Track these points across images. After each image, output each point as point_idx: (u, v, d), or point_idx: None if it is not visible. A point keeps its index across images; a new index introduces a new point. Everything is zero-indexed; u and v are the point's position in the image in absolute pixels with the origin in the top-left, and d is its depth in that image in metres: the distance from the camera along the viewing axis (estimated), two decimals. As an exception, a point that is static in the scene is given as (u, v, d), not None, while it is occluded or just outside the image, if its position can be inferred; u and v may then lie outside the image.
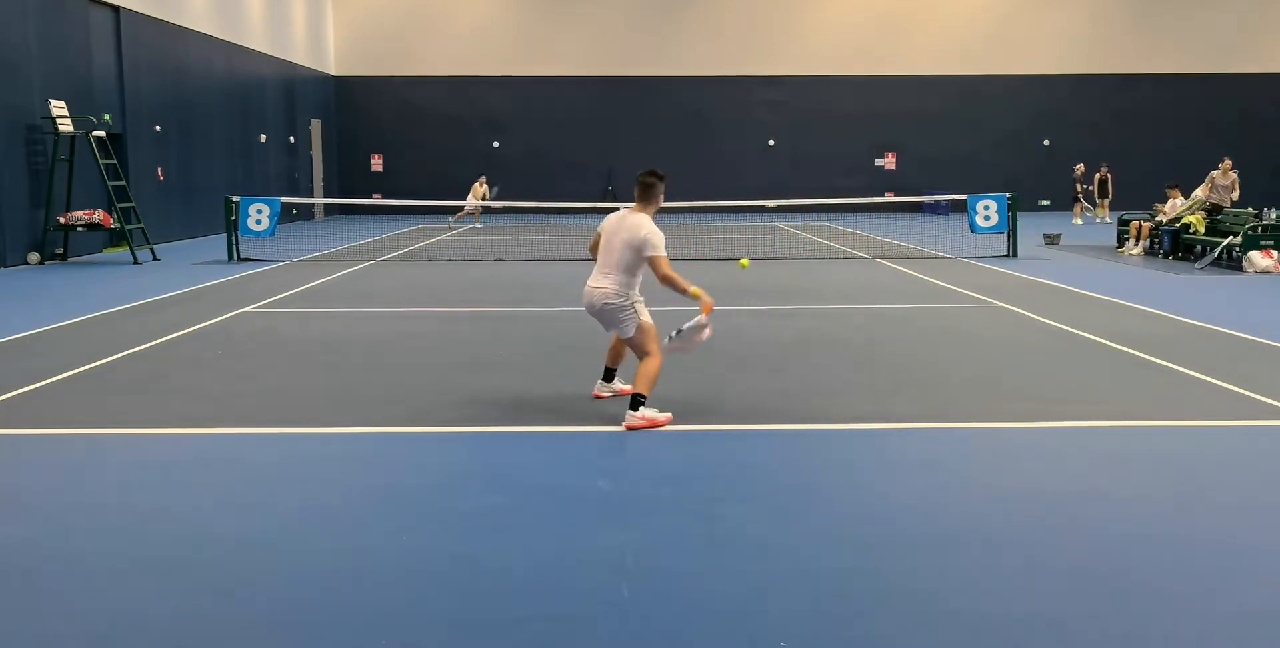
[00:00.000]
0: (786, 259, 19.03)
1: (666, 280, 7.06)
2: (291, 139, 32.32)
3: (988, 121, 37.38)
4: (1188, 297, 13.69)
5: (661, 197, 7.32)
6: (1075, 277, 15.79)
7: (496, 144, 37.25)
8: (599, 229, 7.35)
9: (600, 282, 7.20)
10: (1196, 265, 17.18)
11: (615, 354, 7.73)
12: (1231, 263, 17.02)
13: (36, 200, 18.60)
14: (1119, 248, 20.55)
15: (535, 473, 6.05)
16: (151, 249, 19.61)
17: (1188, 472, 6.09)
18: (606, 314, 7.23)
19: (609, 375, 7.78)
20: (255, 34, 29.31)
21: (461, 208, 28.91)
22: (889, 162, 37.84)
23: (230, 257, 18.91)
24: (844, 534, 5.05)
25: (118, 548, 4.90)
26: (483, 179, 29.79)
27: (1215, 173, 20.53)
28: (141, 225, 19.87)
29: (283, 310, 12.66)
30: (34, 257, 18.37)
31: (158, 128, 23.58)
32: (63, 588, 4.44)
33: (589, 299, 7.27)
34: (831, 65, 37.17)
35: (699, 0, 37.07)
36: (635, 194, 7.33)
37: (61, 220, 18.60)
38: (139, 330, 10.97)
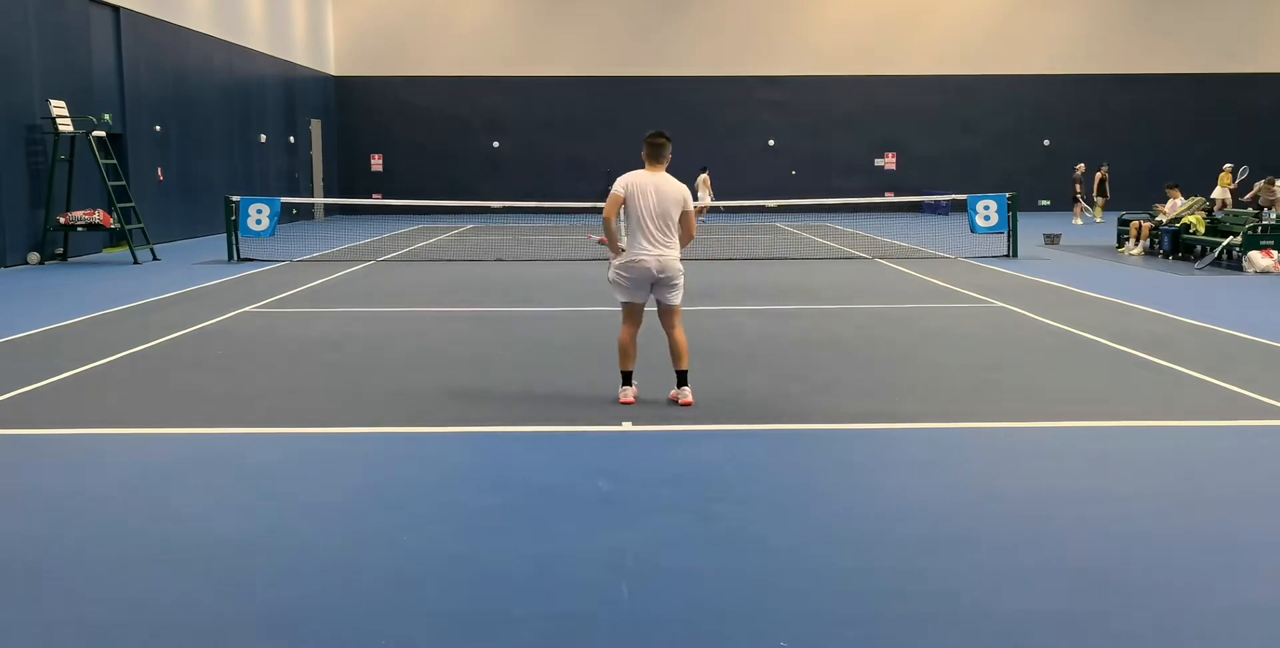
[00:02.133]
0: (786, 259, 19.03)
1: (691, 238, 7.60)
2: (291, 139, 32.32)
3: (988, 121, 37.39)
4: (1188, 297, 13.68)
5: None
6: (1075, 277, 15.79)
7: (496, 144, 37.26)
8: (622, 193, 7.36)
9: (664, 248, 7.34)
10: (1196, 265, 17.18)
11: (634, 351, 7.64)
12: (1231, 263, 17.02)
13: (36, 200, 18.61)
14: (1119, 248, 20.54)
15: (535, 473, 6.05)
16: (151, 249, 19.61)
17: (1187, 471, 6.09)
18: (670, 281, 7.41)
19: (630, 378, 7.63)
20: (255, 34, 29.32)
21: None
22: (889, 162, 37.84)
23: (230, 257, 18.92)
24: (844, 534, 5.05)
25: (118, 548, 4.90)
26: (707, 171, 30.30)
27: (1262, 183, 20.87)
28: (141, 225, 19.87)
29: (283, 310, 12.66)
30: (34, 257, 18.37)
31: (158, 128, 23.58)
32: (63, 587, 4.44)
33: (659, 264, 7.32)
34: (831, 65, 37.17)
35: (699, 0, 37.07)
36: (651, 155, 7.45)
37: (61, 220, 18.60)
38: (139, 330, 10.97)
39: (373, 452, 6.62)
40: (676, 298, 7.56)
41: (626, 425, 7.01)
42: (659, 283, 7.46)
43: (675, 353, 7.56)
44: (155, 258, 19.22)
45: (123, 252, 19.63)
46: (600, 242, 7.81)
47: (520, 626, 4.05)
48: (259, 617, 4.16)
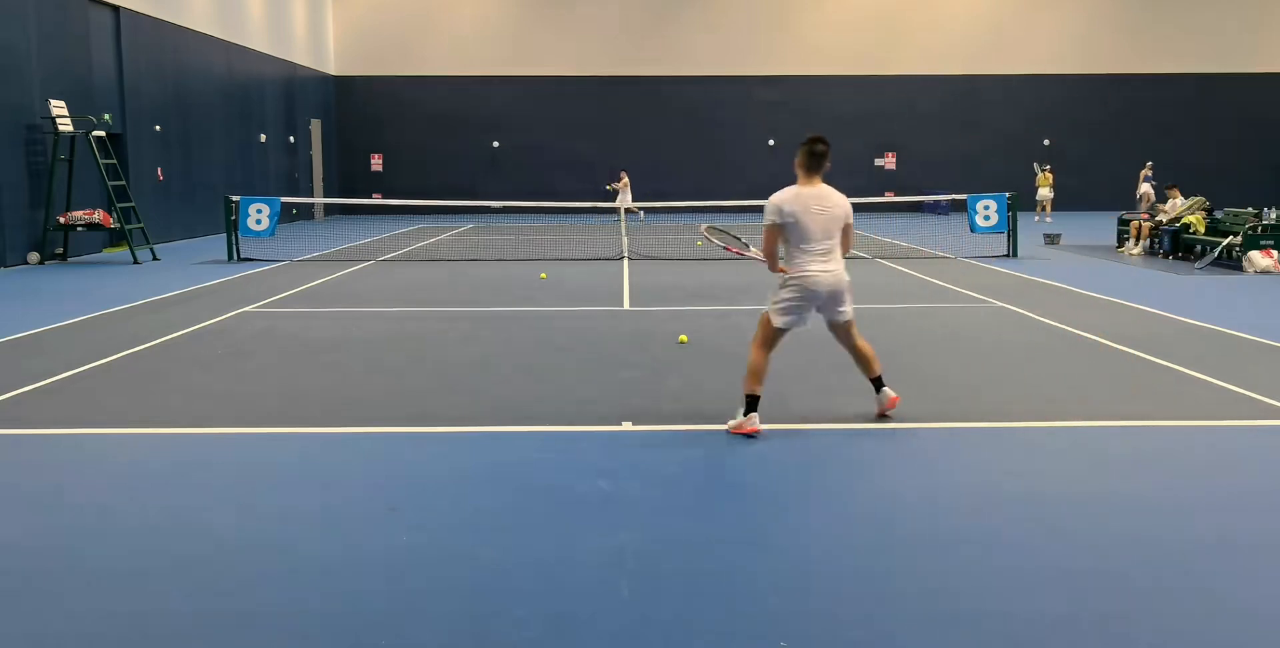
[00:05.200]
0: (786, 259, 19.00)
1: (849, 250, 6.96)
2: (291, 139, 32.32)
3: (988, 121, 37.39)
4: (1188, 297, 13.69)
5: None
6: (1075, 277, 15.79)
7: (496, 144, 37.26)
8: (779, 217, 6.66)
9: (833, 265, 6.76)
10: (1196, 265, 17.18)
11: (765, 375, 6.92)
12: (1231, 263, 17.03)
13: (36, 200, 18.61)
14: (1119, 248, 20.55)
15: (535, 473, 6.04)
16: (151, 249, 19.62)
17: (1188, 472, 6.09)
18: (840, 299, 6.86)
19: (756, 403, 6.84)
20: (255, 34, 29.32)
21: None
22: (889, 162, 37.84)
23: (230, 257, 18.92)
24: (844, 534, 5.05)
25: (117, 548, 4.90)
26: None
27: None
28: (141, 225, 19.88)
29: (283, 310, 12.66)
30: (34, 257, 18.37)
31: (158, 128, 23.58)
32: (61, 588, 4.44)
33: (830, 284, 6.74)
34: (831, 65, 37.18)
35: (699, 0, 37.07)
36: (806, 163, 6.73)
37: (61, 220, 18.60)
38: (139, 330, 10.97)
39: (373, 452, 6.61)
40: (848, 314, 7.04)
41: (626, 425, 7.01)
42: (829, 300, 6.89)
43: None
44: (155, 258, 19.22)
45: (122, 251, 19.63)
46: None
47: (520, 626, 4.05)
48: (258, 618, 4.16)
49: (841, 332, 7.13)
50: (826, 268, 6.76)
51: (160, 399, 7.94)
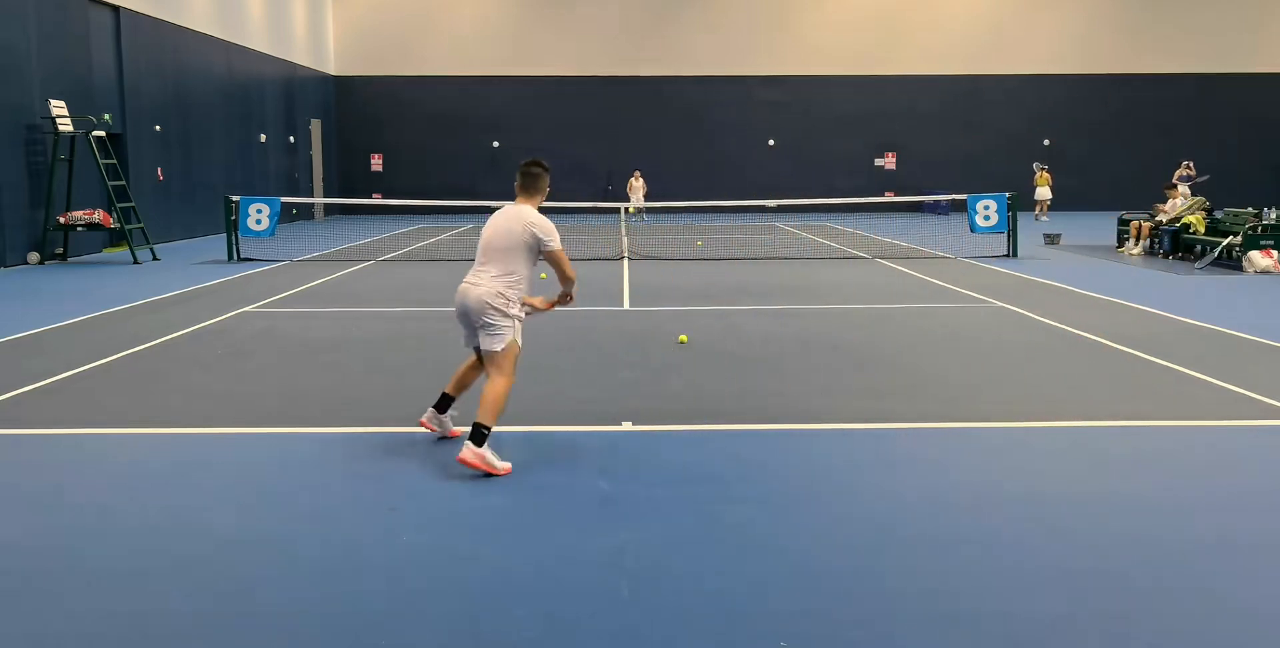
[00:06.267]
0: (786, 259, 19.03)
1: (569, 279, 6.66)
2: (291, 139, 32.32)
3: (988, 121, 37.38)
4: (1188, 297, 13.68)
5: (547, 188, 6.73)
6: (1075, 277, 15.79)
7: (496, 144, 37.26)
8: (483, 234, 6.55)
9: (480, 279, 6.32)
10: (1196, 265, 17.18)
11: (463, 380, 6.66)
12: (1231, 263, 17.03)
13: (36, 200, 18.60)
14: (1119, 248, 20.56)
15: (535, 473, 6.04)
16: (151, 249, 19.61)
17: (1187, 472, 6.08)
18: (480, 320, 6.26)
19: (446, 404, 6.65)
20: (255, 34, 29.32)
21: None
22: (889, 162, 37.84)
23: (230, 257, 18.92)
24: (844, 534, 5.04)
25: (116, 548, 4.89)
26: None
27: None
28: (141, 225, 19.87)
29: (283, 310, 12.66)
30: (34, 257, 18.37)
31: (158, 128, 23.58)
32: (61, 588, 4.44)
33: (465, 297, 6.30)
34: (831, 65, 37.18)
35: (699, 0, 37.07)
36: (520, 184, 6.65)
37: (61, 220, 18.60)
38: (139, 330, 10.97)
39: (372, 452, 6.61)
40: (493, 344, 6.29)
41: (626, 425, 7.01)
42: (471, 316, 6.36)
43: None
44: (155, 258, 19.22)
45: (122, 251, 19.63)
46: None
47: (520, 626, 4.05)
48: (258, 618, 4.16)
49: (485, 360, 6.44)
50: (472, 281, 6.33)
51: (160, 399, 7.94)
